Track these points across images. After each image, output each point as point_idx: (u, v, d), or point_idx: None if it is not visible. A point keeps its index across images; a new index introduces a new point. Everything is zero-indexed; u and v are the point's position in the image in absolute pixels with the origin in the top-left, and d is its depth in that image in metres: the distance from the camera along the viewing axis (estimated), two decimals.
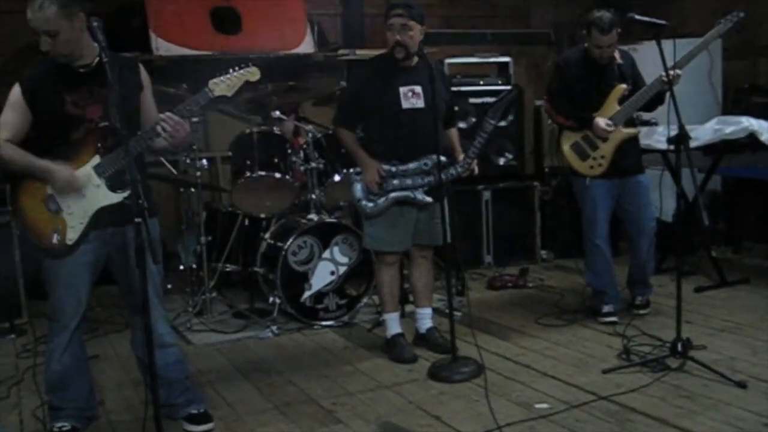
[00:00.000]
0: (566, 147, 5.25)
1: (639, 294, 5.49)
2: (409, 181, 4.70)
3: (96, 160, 3.52)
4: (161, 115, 3.54)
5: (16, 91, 3.52)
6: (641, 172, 5.27)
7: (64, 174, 3.46)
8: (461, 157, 4.80)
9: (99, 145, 3.53)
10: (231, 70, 3.65)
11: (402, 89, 4.67)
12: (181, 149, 4.01)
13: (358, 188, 4.75)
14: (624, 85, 5.06)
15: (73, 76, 3.54)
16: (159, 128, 3.48)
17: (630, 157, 5.20)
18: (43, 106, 3.51)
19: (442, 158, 4.60)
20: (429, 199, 4.72)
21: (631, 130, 5.15)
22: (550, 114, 5.44)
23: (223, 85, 3.63)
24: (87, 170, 3.52)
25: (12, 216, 5.25)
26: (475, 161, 4.73)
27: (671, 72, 4.66)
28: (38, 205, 3.52)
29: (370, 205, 4.72)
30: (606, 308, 5.35)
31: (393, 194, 4.70)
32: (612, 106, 5.07)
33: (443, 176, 4.59)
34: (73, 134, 3.52)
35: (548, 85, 5.44)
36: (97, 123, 3.52)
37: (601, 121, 5.06)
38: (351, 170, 4.84)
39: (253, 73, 3.72)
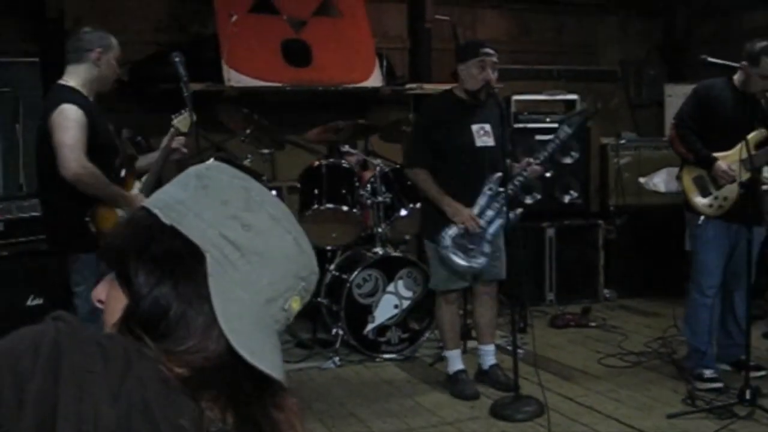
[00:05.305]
0: (687, 178, 4.84)
1: (738, 353, 4.82)
2: (490, 212, 4.67)
3: (138, 184, 3.92)
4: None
5: (78, 112, 3.69)
6: (760, 224, 4.75)
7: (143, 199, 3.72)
8: (524, 162, 4.75)
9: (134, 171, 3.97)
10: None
11: (474, 127, 4.69)
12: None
13: (454, 259, 4.65)
14: (765, 130, 4.68)
15: (100, 110, 3.89)
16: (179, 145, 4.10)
17: (754, 205, 4.66)
18: (97, 133, 3.76)
19: (498, 174, 4.63)
20: (513, 213, 4.64)
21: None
22: (672, 141, 4.96)
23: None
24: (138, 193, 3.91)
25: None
26: (542, 165, 4.73)
27: None
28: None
29: (478, 260, 4.66)
30: (708, 373, 4.75)
31: (489, 234, 4.66)
32: (743, 151, 4.55)
33: (512, 188, 4.62)
34: (115, 162, 3.84)
35: (679, 110, 4.95)
36: (126, 152, 3.98)
37: (724, 165, 4.63)
38: (439, 239, 4.70)
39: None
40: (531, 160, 4.71)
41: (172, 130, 4.07)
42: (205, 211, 1.08)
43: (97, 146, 3.74)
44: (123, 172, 3.91)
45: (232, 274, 1.06)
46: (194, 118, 4.16)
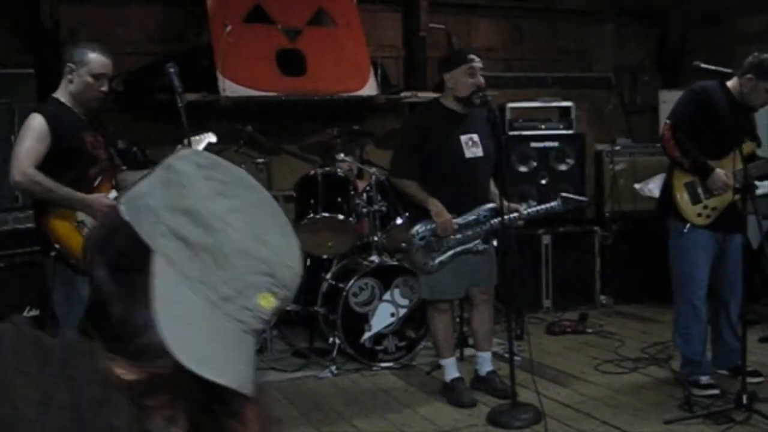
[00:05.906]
0: (678, 184, 4.73)
1: (735, 359, 4.72)
2: (469, 233, 4.71)
3: (113, 194, 3.93)
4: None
5: (40, 121, 3.75)
6: (743, 232, 4.55)
7: (107, 202, 3.83)
8: (513, 205, 4.80)
9: (113, 181, 4.01)
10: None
11: (462, 138, 4.70)
12: None
13: (419, 252, 4.76)
14: (754, 144, 4.68)
15: (81, 121, 3.93)
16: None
17: (739, 214, 4.52)
18: (66, 142, 3.80)
19: (492, 205, 4.66)
20: (485, 245, 4.74)
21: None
22: (666, 143, 4.72)
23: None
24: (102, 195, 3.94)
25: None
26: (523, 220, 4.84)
27: None
28: (72, 230, 3.80)
29: (433, 263, 4.73)
30: (704, 380, 4.72)
31: (454, 250, 4.71)
32: (736, 161, 4.47)
33: (497, 222, 4.67)
34: (90, 171, 3.89)
35: (674, 110, 4.79)
36: (108, 162, 4.02)
37: (722, 174, 4.56)
38: (411, 233, 4.82)
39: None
40: (521, 209, 4.78)
41: (186, 142, 4.08)
42: (159, 206, 1.02)
43: (61, 153, 3.80)
44: (98, 180, 3.95)
45: (180, 273, 0.99)
46: (213, 140, 4.29)
